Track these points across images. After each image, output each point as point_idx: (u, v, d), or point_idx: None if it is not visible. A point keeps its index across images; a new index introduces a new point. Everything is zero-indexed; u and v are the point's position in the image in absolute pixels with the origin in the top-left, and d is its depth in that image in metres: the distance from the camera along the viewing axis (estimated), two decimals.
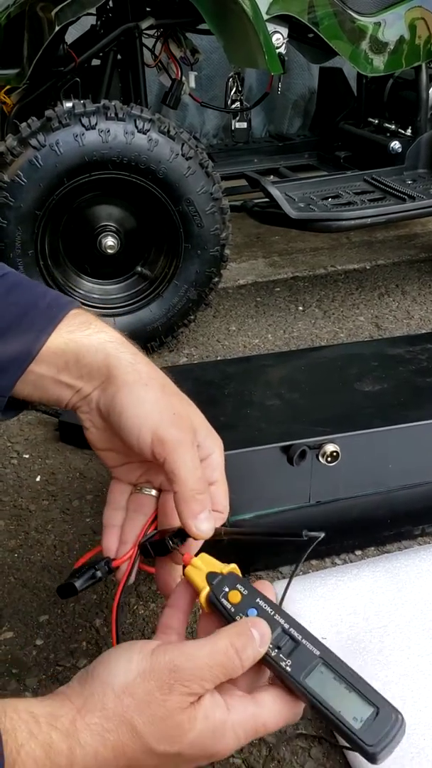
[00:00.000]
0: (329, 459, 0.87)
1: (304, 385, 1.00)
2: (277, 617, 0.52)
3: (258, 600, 0.53)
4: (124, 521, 0.63)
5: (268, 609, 0.52)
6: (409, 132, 1.82)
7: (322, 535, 0.56)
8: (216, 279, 1.46)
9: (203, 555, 0.57)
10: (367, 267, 2.02)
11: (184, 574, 0.56)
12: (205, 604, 0.54)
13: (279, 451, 0.86)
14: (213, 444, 0.64)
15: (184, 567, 0.56)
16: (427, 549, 0.91)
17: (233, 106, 2.01)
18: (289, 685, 0.50)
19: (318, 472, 0.89)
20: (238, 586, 0.53)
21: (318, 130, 2.22)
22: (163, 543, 0.60)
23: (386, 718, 0.47)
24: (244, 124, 2.01)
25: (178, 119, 2.58)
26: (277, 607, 0.52)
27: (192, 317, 1.48)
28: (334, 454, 0.87)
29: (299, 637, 0.51)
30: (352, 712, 0.48)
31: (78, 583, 0.58)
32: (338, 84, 2.18)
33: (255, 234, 2.31)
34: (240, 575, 0.55)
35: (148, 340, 1.46)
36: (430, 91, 1.80)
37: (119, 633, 0.58)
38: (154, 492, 0.64)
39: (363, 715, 0.48)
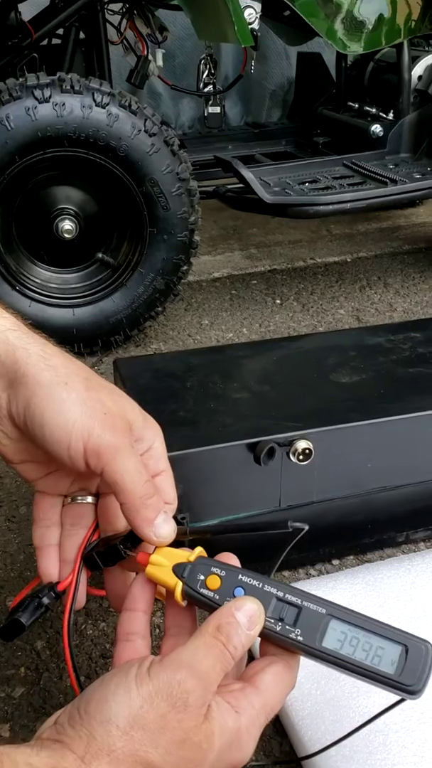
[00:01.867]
0: (301, 457, 0.79)
1: (275, 377, 0.91)
2: (267, 588, 0.48)
3: (241, 576, 0.49)
4: (62, 538, 0.56)
5: (255, 583, 0.48)
6: (390, 116, 1.75)
7: (306, 527, 0.53)
8: (185, 267, 1.37)
9: (160, 549, 0.52)
10: (348, 259, 1.94)
11: (145, 575, 0.52)
12: (181, 600, 0.50)
13: (245, 449, 0.77)
14: (152, 433, 0.56)
15: (143, 569, 0.52)
16: (411, 558, 0.83)
17: (206, 89, 1.93)
18: (308, 654, 0.47)
19: (289, 473, 0.80)
20: (213, 569, 0.49)
21: (296, 118, 2.14)
22: (111, 551, 0.54)
23: (417, 652, 0.46)
24: (218, 109, 1.93)
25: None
26: (264, 578, 0.49)
27: (159, 309, 1.39)
28: (307, 451, 0.78)
29: (299, 601, 0.47)
30: (383, 658, 0.46)
31: (24, 618, 0.52)
32: (317, 69, 2.10)
33: (231, 226, 2.23)
34: (208, 557, 0.51)
35: (112, 333, 1.37)
36: (412, 72, 1.73)
37: (75, 665, 0.53)
38: (90, 499, 0.57)
39: (393, 657, 0.46)
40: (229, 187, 1.59)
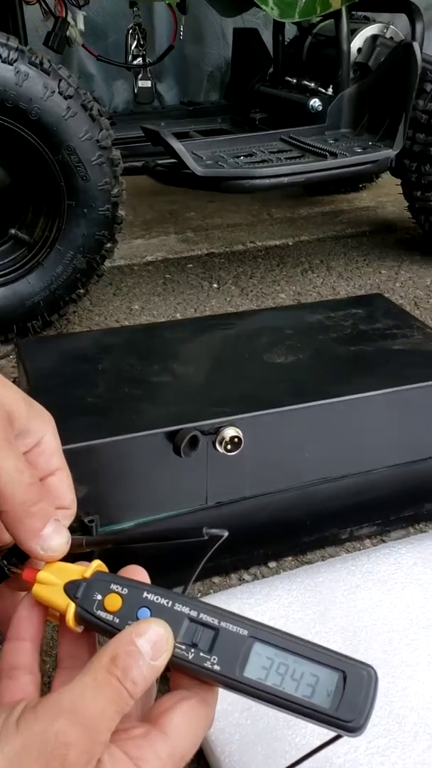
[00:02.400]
0: (229, 447, 0.69)
1: (202, 359, 0.81)
2: (178, 607, 0.40)
3: (146, 594, 0.40)
4: None
5: (164, 601, 0.40)
6: (330, 90, 1.66)
7: (226, 533, 0.44)
8: (109, 244, 1.25)
9: (50, 565, 0.43)
10: (290, 243, 1.86)
11: (32, 596, 0.43)
12: (75, 626, 0.41)
13: (163, 439, 0.67)
14: (41, 425, 0.46)
15: (30, 588, 0.43)
16: (355, 558, 0.74)
17: (135, 62, 1.81)
18: (227, 687, 0.39)
19: (216, 465, 0.70)
20: (113, 586, 0.41)
21: (233, 97, 2.05)
22: None
23: (357, 680, 0.38)
24: (148, 83, 1.82)
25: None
26: (175, 595, 0.41)
27: (81, 291, 1.27)
28: (235, 440, 0.68)
29: (216, 621, 0.40)
30: (316, 689, 0.38)
31: None
32: (254, 45, 2.01)
33: (167, 210, 2.12)
34: (108, 572, 0.43)
35: (28, 318, 1.24)
36: (351, 45, 1.66)
37: None
38: None
39: (329, 686, 0.38)
40: (160, 161, 1.48)
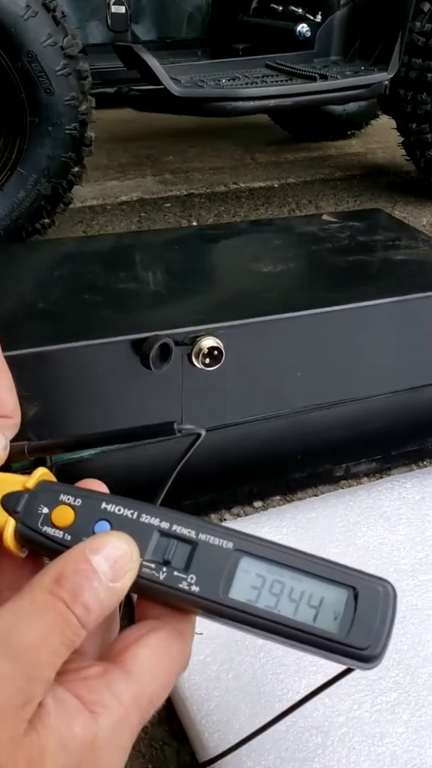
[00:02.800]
0: (207, 361, 0.58)
1: (177, 267, 0.70)
2: (146, 518, 0.33)
3: (105, 505, 0.34)
4: None
5: (128, 512, 0.33)
6: (318, 18, 1.54)
7: (203, 432, 0.37)
8: (76, 168, 1.14)
9: None
10: (275, 185, 1.75)
11: None
12: (16, 548, 0.34)
13: (128, 348, 0.56)
14: None
15: None
16: (353, 493, 0.65)
17: None
18: (208, 612, 0.32)
19: (192, 383, 0.59)
20: (63, 497, 0.34)
21: (215, 31, 1.91)
22: None
23: (371, 597, 0.31)
24: (122, 9, 1.69)
25: None
26: (142, 504, 0.34)
27: (46, 221, 1.16)
28: (215, 352, 0.58)
29: (192, 534, 0.33)
30: (321, 610, 0.31)
31: None
32: None
33: (145, 155, 1.99)
34: (56, 480, 0.36)
35: None
36: None
37: None
38: None
39: (337, 607, 0.31)
40: (134, 87, 1.36)
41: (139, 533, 0.32)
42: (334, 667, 0.34)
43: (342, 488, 0.70)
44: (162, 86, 1.21)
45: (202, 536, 0.32)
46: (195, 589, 0.31)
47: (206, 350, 0.58)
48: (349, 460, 0.71)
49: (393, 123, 1.54)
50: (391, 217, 0.84)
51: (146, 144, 2.10)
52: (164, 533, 0.33)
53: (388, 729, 0.45)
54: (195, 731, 0.47)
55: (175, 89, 1.20)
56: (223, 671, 0.50)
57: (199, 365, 0.59)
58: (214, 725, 0.47)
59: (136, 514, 0.33)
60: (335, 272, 0.69)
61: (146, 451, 0.61)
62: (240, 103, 1.22)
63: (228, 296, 0.64)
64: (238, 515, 0.68)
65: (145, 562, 0.32)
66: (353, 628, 0.30)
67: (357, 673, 0.49)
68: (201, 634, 0.53)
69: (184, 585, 0.31)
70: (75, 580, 0.30)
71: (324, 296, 0.64)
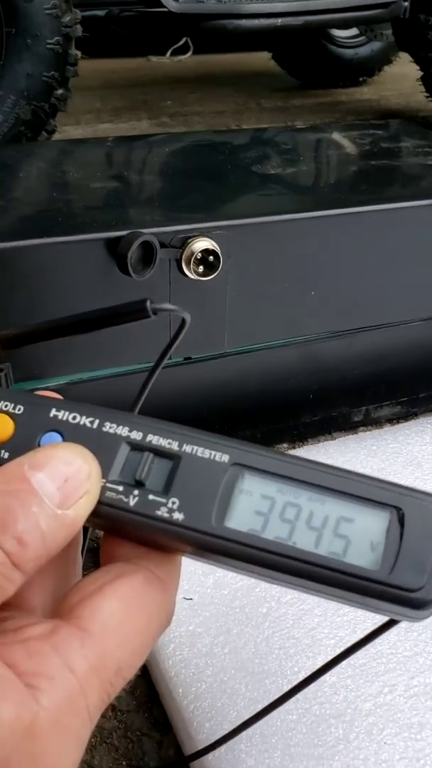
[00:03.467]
0: (201, 269, 0.48)
1: (166, 168, 0.59)
2: (110, 428, 0.26)
3: (54, 412, 0.26)
4: None
5: (85, 420, 0.26)
6: None
7: (187, 316, 0.29)
8: (60, 91, 1.03)
9: None
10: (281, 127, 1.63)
11: None
12: None
13: (102, 249, 0.46)
14: None
15: None
16: (377, 437, 0.55)
17: None
18: (198, 549, 0.24)
19: (182, 297, 0.49)
20: (3, 404, 0.26)
21: None
22: None
23: (422, 519, 0.23)
24: None
25: None
26: (105, 411, 0.26)
27: None
28: (211, 258, 0.48)
29: (175, 444, 0.25)
30: (352, 540, 0.23)
31: None
32: None
33: (141, 100, 1.88)
34: None
35: None
36: None
37: None
38: None
39: (374, 534, 0.23)
40: (127, 7, 1.24)
41: (101, 446, 0.25)
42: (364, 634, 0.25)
43: (359, 434, 0.60)
44: (157, 5, 1.10)
45: (187, 448, 0.25)
46: (178, 517, 0.24)
47: (199, 255, 0.48)
48: (369, 402, 0.61)
49: (407, 71, 1.43)
50: (418, 125, 0.73)
51: (143, 90, 1.98)
52: (136, 445, 0.25)
53: (428, 718, 0.36)
54: (181, 719, 0.37)
55: (172, 5, 1.09)
56: (218, 645, 0.40)
57: (191, 274, 0.48)
58: (204, 712, 0.37)
59: (97, 422, 0.26)
60: (358, 175, 0.59)
61: (127, 382, 0.51)
62: (243, 21, 1.10)
63: (227, 195, 0.53)
64: None
65: (109, 484, 0.25)
66: (399, 563, 0.23)
67: (387, 647, 0.40)
68: (191, 599, 0.43)
69: (163, 512, 0.24)
70: (4, 504, 0.22)
71: (345, 197, 0.53)
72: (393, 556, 0.23)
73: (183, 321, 0.29)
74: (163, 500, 0.24)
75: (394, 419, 0.63)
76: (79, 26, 1.03)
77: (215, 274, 0.49)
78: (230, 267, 0.49)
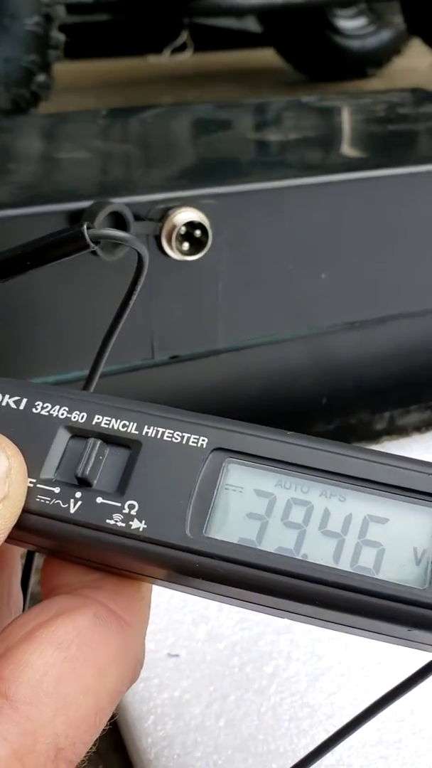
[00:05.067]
0: (186, 246, 0.41)
1: (150, 137, 0.52)
2: (42, 408, 0.21)
3: None
4: None
5: (9, 400, 0.21)
6: None
7: (144, 251, 0.23)
8: (41, 77, 0.97)
9: None
10: None
11: None
12: None
13: (63, 223, 0.39)
14: None
15: None
16: (404, 446, 0.47)
17: None
18: (167, 573, 0.20)
19: (164, 281, 0.42)
20: None
21: None
22: None
23: None
24: None
25: None
26: (38, 387, 0.21)
27: None
28: (197, 233, 0.41)
29: (132, 427, 0.20)
30: (388, 549, 0.18)
31: None
32: None
33: (137, 95, 1.84)
34: None
35: None
36: None
37: None
38: None
39: (420, 540, 0.18)
40: None
41: (29, 433, 0.20)
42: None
43: (383, 444, 0.52)
44: None
45: (149, 430, 0.20)
46: (138, 526, 0.19)
47: (183, 229, 0.41)
48: (394, 406, 0.54)
49: (416, 64, 1.36)
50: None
51: (140, 88, 1.94)
52: (78, 431, 0.20)
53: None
54: None
55: None
56: (211, 716, 0.32)
57: (173, 253, 0.41)
58: None
59: (24, 402, 0.21)
60: (373, 139, 0.51)
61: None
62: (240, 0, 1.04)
63: (219, 160, 0.46)
64: None
65: (40, 485, 0.20)
66: None
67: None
68: (177, 656, 0.35)
69: (117, 521, 0.19)
70: None
71: (361, 159, 0.46)
72: None
73: (140, 258, 0.23)
74: (117, 504, 0.19)
75: (423, 427, 0.55)
76: (61, 6, 0.97)
77: (203, 252, 0.41)
78: (222, 244, 0.42)
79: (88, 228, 0.21)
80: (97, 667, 0.19)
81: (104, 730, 0.20)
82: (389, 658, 0.34)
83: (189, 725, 0.32)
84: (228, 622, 0.36)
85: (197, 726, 0.32)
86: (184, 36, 2.10)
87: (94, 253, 0.40)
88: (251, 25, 2.15)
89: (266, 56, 2.06)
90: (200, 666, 0.35)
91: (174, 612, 0.37)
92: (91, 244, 0.22)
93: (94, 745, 0.19)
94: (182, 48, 2.16)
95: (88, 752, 0.19)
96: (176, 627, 0.36)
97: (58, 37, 0.98)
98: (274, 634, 0.36)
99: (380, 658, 0.34)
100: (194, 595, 0.20)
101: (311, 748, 0.31)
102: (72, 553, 0.20)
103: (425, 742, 0.31)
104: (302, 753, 0.31)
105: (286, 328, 0.47)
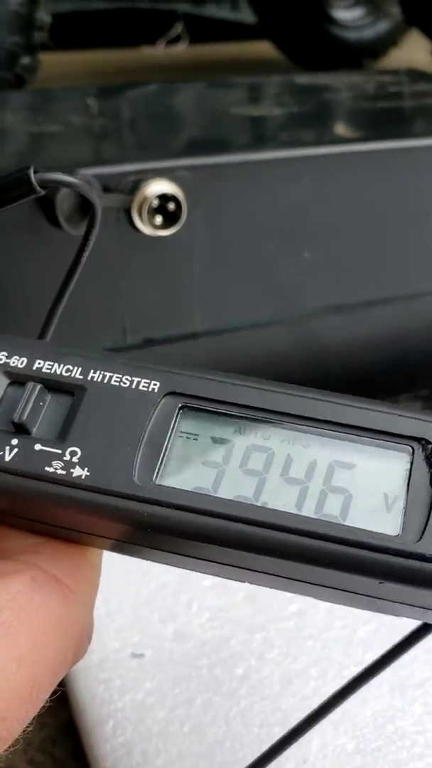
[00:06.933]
0: (159, 220, 0.39)
1: (125, 113, 0.50)
2: None
3: None
4: None
5: None
6: None
7: (96, 202, 0.23)
8: (26, 60, 0.95)
9: None
10: None
11: None
12: None
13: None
14: None
15: None
16: None
17: None
18: (117, 532, 0.18)
19: (135, 258, 0.40)
20: None
21: None
22: None
23: None
24: None
25: None
26: None
27: None
28: (171, 206, 0.39)
29: (77, 371, 0.19)
30: (355, 494, 0.17)
31: None
32: None
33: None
34: None
35: None
36: None
37: None
38: None
39: (391, 484, 0.17)
40: None
41: None
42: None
43: None
44: None
45: (95, 375, 0.19)
46: (80, 473, 0.18)
47: (156, 202, 0.39)
48: (382, 395, 0.51)
49: (414, 57, 1.34)
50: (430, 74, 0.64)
51: (132, 79, 1.91)
52: (17, 376, 0.19)
53: None
54: None
55: None
56: (176, 721, 0.30)
57: (145, 228, 0.39)
58: None
59: None
60: (364, 115, 0.49)
61: None
62: None
63: (196, 131, 0.44)
64: None
65: None
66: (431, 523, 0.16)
67: (410, 722, 0.29)
68: (141, 656, 0.33)
69: (56, 468, 0.18)
70: None
71: (350, 132, 0.44)
72: (421, 513, 0.16)
73: (91, 206, 0.22)
74: (57, 451, 0.18)
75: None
76: None
77: (178, 227, 0.39)
78: (198, 219, 0.40)
79: (35, 171, 0.20)
80: (34, 635, 0.17)
81: (45, 707, 0.18)
82: (369, 659, 0.32)
83: (151, 731, 0.30)
84: (198, 620, 0.34)
85: (160, 732, 0.30)
86: (179, 27, 2.09)
87: (59, 227, 0.38)
88: (247, 16, 2.13)
89: (262, 48, 2.04)
90: (166, 667, 0.33)
91: (140, 608, 0.35)
92: (38, 189, 0.21)
93: (30, 724, 0.18)
94: (177, 39, 2.14)
95: (24, 731, 0.17)
96: (142, 624, 0.34)
97: (43, 18, 0.96)
98: (247, 633, 0.34)
99: (359, 658, 0.32)
100: (146, 559, 0.19)
101: (283, 759, 0.29)
102: (8, 509, 0.19)
103: (405, 751, 0.29)
104: (273, 764, 0.29)
105: (268, 310, 0.45)
